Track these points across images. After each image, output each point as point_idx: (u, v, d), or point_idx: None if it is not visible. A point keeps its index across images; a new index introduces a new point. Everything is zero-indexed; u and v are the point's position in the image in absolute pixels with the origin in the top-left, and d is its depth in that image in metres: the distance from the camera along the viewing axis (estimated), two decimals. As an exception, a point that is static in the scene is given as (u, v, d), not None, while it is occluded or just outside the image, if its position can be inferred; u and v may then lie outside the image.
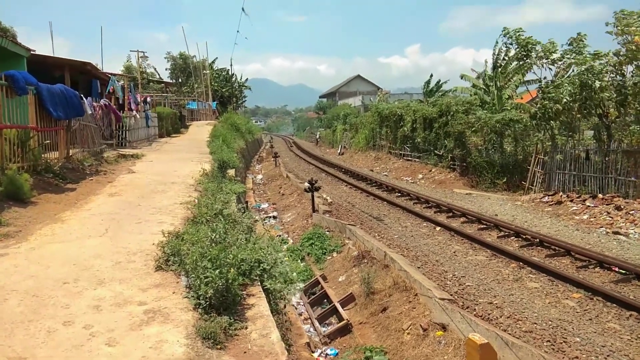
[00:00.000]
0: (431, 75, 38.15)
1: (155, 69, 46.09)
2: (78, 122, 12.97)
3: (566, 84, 16.45)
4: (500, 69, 24.98)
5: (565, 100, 16.25)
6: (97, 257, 5.67)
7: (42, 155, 10.29)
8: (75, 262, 5.46)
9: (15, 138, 9.17)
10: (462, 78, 29.72)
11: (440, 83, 38.12)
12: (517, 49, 19.87)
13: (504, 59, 25.31)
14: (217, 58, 59.04)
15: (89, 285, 4.82)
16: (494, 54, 25.44)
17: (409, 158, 29.45)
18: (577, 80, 16.03)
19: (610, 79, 15.62)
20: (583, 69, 15.95)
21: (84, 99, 14.35)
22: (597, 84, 15.32)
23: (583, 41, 17.37)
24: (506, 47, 20.87)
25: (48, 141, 10.84)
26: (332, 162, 35.67)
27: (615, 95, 15.14)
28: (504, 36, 20.22)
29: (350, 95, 69.25)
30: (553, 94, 16.89)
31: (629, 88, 14.78)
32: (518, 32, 19.76)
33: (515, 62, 22.14)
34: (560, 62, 18.57)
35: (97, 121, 15.79)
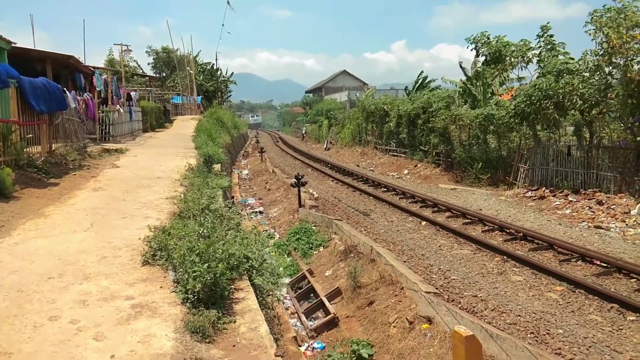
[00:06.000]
0: (422, 72, 37.89)
1: (137, 63, 45.51)
2: (61, 116, 12.77)
3: (537, 86, 16.64)
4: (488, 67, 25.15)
5: (539, 102, 16.45)
6: (82, 252, 5.61)
7: (25, 150, 10.11)
8: (60, 257, 5.40)
9: (-4, 132, 9.01)
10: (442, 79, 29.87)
11: (427, 80, 38.00)
12: (489, 53, 19.96)
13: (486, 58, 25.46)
14: (200, 51, 58.57)
15: (75, 280, 4.77)
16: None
17: (395, 153, 29.60)
18: (547, 81, 16.21)
19: (588, 77, 15.81)
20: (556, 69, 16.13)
21: (67, 92, 14.13)
22: (565, 84, 15.50)
23: (551, 35, 17.62)
24: (477, 52, 20.96)
25: (30, 135, 10.66)
26: (318, 157, 35.67)
27: (595, 94, 15.32)
28: (470, 43, 20.35)
29: (336, 90, 69.19)
30: (526, 96, 17.06)
31: (601, 88, 15.00)
32: (485, 36, 19.89)
33: (489, 65, 22.16)
34: (535, 60, 18.79)
35: (81, 115, 15.56)
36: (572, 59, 16.53)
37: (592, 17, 14.66)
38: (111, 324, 3.93)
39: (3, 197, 7.78)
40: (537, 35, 18.15)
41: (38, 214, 7.29)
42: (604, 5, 14.66)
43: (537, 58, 18.48)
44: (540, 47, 18.26)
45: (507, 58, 19.59)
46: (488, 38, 19.97)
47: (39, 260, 5.25)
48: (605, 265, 9.60)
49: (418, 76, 37.53)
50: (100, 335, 3.73)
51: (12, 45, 14.86)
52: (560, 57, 17.66)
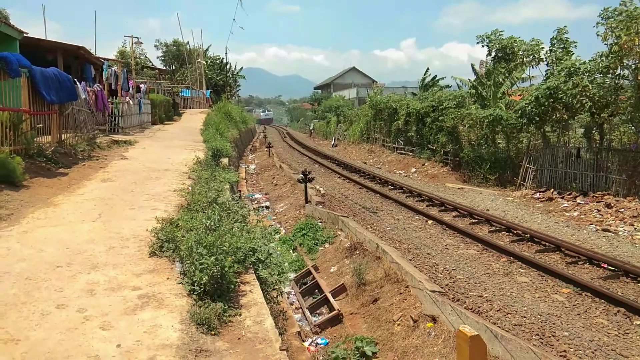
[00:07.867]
0: (427, 69, 37.47)
1: (146, 56, 45.66)
2: (71, 107, 12.84)
3: (547, 85, 16.55)
4: (500, 65, 25.00)
5: (548, 102, 16.34)
6: (90, 241, 5.65)
7: (35, 139, 10.19)
8: (69, 246, 5.44)
9: (7, 121, 9.07)
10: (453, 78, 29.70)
11: (437, 79, 37.64)
12: (500, 48, 19.87)
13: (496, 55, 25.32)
14: (210, 45, 58.72)
15: (83, 270, 4.81)
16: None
17: (403, 152, 29.51)
18: (558, 80, 16.10)
19: (599, 79, 15.68)
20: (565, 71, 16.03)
21: (78, 83, 14.20)
22: (573, 84, 15.37)
23: (567, 36, 17.52)
24: (488, 51, 20.92)
25: (41, 125, 10.74)
26: (326, 153, 35.63)
27: (605, 95, 15.18)
28: (482, 41, 20.28)
29: (345, 87, 69.08)
30: (535, 96, 16.96)
31: (612, 90, 14.88)
32: (498, 33, 19.80)
33: (500, 62, 22.01)
34: (546, 61, 18.67)
35: (90, 106, 15.64)
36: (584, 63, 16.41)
37: (603, 16, 14.57)
38: (118, 313, 3.96)
39: (13, 186, 7.84)
40: (551, 39, 18.04)
41: (47, 203, 7.34)
42: (614, 9, 14.56)
43: (549, 58, 18.36)
44: (553, 46, 18.13)
45: (519, 56, 19.48)
46: (501, 35, 19.86)
47: (48, 249, 5.29)
48: (612, 268, 9.52)
49: (425, 74, 37.06)
50: (107, 325, 3.76)
51: (24, 35, 14.94)
52: (573, 57, 17.53)
